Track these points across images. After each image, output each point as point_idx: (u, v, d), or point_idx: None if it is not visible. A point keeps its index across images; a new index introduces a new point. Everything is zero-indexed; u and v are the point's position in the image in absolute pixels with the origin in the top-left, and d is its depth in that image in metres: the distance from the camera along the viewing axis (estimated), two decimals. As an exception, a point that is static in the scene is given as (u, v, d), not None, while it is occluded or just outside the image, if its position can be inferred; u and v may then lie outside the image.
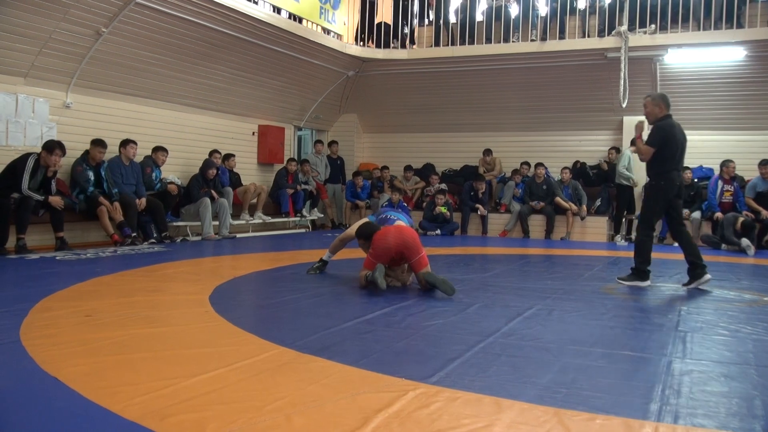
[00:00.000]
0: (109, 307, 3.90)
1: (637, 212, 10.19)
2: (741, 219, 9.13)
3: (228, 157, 9.98)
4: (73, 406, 2.18)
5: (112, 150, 8.05)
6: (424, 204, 11.18)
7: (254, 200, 10.13)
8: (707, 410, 2.25)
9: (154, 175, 8.55)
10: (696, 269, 5.25)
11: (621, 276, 5.51)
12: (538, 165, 10.77)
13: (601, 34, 10.26)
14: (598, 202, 10.59)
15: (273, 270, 6.05)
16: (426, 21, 11.77)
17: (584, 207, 10.39)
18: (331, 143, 12.26)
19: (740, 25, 9.48)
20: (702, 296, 4.88)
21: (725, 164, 9.61)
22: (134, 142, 8.07)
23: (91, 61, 7.74)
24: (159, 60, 8.51)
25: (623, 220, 10.31)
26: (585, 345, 3.17)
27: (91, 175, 7.59)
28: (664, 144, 5.22)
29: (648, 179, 5.50)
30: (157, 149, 8.58)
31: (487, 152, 11.73)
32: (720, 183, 9.67)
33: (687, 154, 11.02)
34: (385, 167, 12.02)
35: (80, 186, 7.49)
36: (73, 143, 7.64)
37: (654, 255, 5.76)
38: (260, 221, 10.12)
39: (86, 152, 7.62)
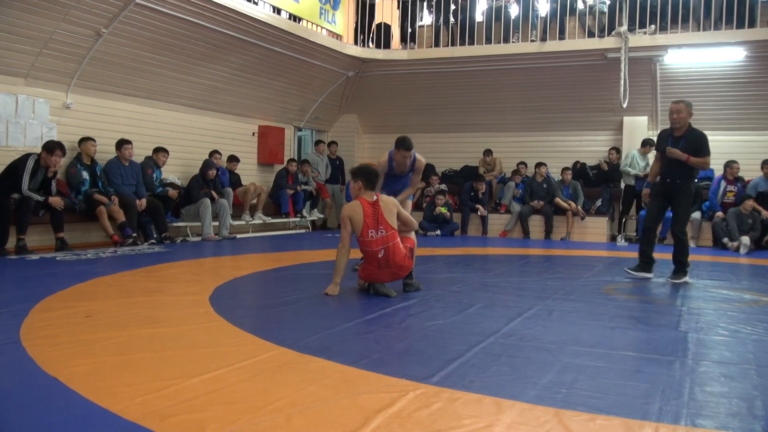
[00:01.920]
0: (110, 308, 3.90)
1: (638, 212, 10.23)
2: (749, 202, 9.08)
3: (232, 159, 9.99)
4: (74, 406, 2.18)
5: (108, 149, 8.06)
6: (424, 204, 11.18)
7: (254, 200, 10.13)
8: (707, 410, 2.26)
9: (154, 175, 8.56)
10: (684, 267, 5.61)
11: (671, 276, 5.61)
12: (539, 164, 10.77)
13: (601, 34, 10.27)
14: (598, 203, 10.59)
15: (273, 270, 6.05)
16: (431, 20, 11.74)
17: (579, 207, 10.39)
18: (330, 143, 12.26)
19: (742, 25, 9.46)
20: (702, 296, 4.88)
21: (729, 165, 9.62)
22: (129, 142, 8.05)
23: (91, 61, 7.75)
24: (159, 60, 8.52)
25: (624, 220, 10.34)
26: (585, 345, 3.17)
27: (86, 174, 7.60)
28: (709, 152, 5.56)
29: (682, 181, 5.57)
30: (158, 150, 8.58)
31: (487, 152, 11.74)
32: (723, 183, 9.67)
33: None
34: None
35: (74, 187, 7.50)
36: (73, 144, 7.65)
37: (655, 255, 5.79)
38: (260, 222, 10.12)
39: (79, 153, 7.66)
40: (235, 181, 10.01)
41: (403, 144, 5.56)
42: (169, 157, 8.81)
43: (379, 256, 4.44)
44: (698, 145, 5.47)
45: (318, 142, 12.08)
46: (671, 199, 5.64)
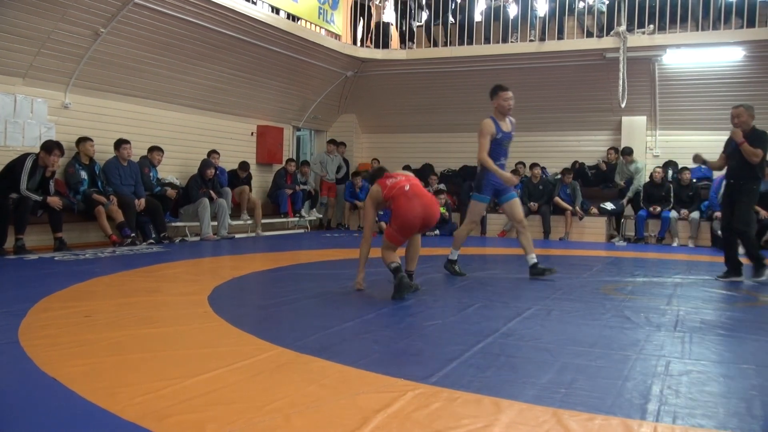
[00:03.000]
0: (108, 308, 3.90)
1: (635, 212, 10.23)
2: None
3: (243, 165, 10.08)
4: (73, 406, 2.17)
5: (107, 149, 8.05)
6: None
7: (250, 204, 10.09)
8: (706, 410, 2.26)
9: (151, 174, 8.55)
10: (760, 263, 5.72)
11: (753, 275, 5.70)
12: (534, 166, 10.78)
13: (599, 34, 10.27)
14: (608, 205, 10.47)
15: (272, 270, 6.05)
16: (427, 18, 11.74)
17: (578, 208, 10.39)
18: (333, 141, 12.23)
19: (741, 24, 9.48)
20: (701, 296, 4.88)
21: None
22: (127, 142, 8.05)
23: (90, 61, 7.74)
24: (157, 60, 8.51)
25: (623, 221, 10.35)
26: (584, 345, 3.17)
27: (84, 174, 7.60)
28: (766, 150, 5.56)
29: (745, 182, 5.64)
30: (153, 149, 8.57)
31: (486, 152, 11.73)
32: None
33: (685, 155, 11.13)
34: (375, 159, 12.19)
35: (72, 187, 7.49)
36: (71, 144, 7.64)
37: (654, 255, 5.78)
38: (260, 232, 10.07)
39: (77, 153, 7.66)
40: (246, 181, 10.08)
41: (501, 86, 5.66)
42: (168, 157, 8.80)
43: (406, 188, 4.49)
44: (756, 140, 5.55)
45: (336, 143, 12.07)
46: (736, 200, 5.72)
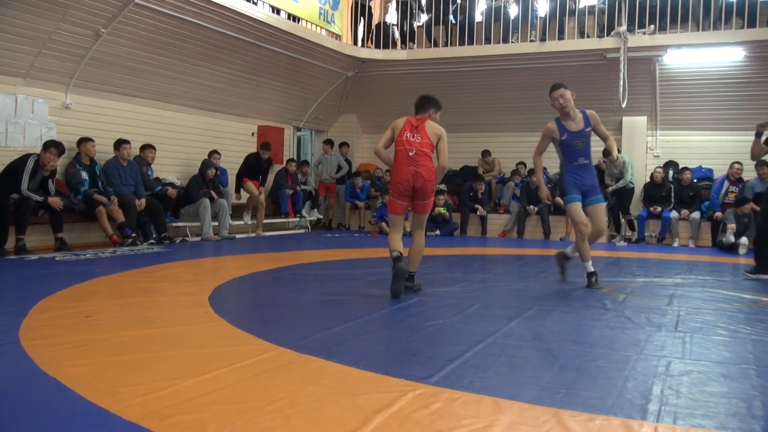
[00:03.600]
0: (109, 308, 3.90)
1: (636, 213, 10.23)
2: (747, 206, 9.03)
3: (266, 145, 10.01)
4: (73, 406, 2.18)
5: (107, 149, 8.06)
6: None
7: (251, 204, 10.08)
8: (706, 410, 2.25)
9: (148, 173, 8.54)
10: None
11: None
12: (531, 171, 10.78)
13: (600, 34, 10.27)
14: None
15: (272, 270, 6.04)
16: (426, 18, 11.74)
17: None
18: (329, 142, 12.24)
19: (741, 25, 9.48)
20: (702, 296, 4.88)
21: (732, 165, 9.62)
22: (127, 142, 8.04)
23: (91, 61, 7.74)
24: (158, 60, 8.51)
25: (622, 221, 10.35)
26: (584, 345, 3.17)
27: (85, 174, 7.60)
28: None
29: None
30: (145, 147, 8.55)
31: (486, 153, 11.74)
32: (726, 183, 9.66)
33: (686, 155, 11.11)
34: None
35: (73, 188, 7.49)
36: (72, 144, 7.65)
37: (653, 255, 5.77)
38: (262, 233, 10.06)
39: (78, 153, 7.66)
40: (267, 165, 10.07)
41: (554, 85, 5.18)
42: (169, 157, 8.81)
43: (410, 154, 4.59)
44: None
45: (327, 142, 12.06)
46: None
